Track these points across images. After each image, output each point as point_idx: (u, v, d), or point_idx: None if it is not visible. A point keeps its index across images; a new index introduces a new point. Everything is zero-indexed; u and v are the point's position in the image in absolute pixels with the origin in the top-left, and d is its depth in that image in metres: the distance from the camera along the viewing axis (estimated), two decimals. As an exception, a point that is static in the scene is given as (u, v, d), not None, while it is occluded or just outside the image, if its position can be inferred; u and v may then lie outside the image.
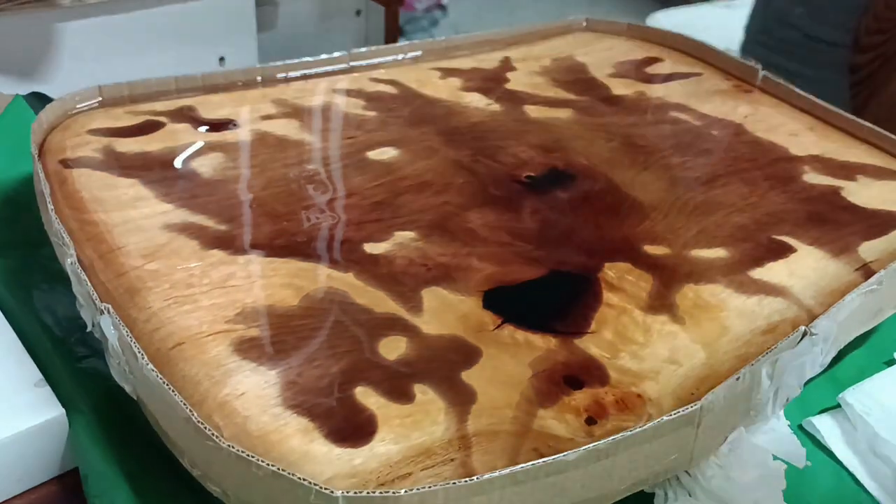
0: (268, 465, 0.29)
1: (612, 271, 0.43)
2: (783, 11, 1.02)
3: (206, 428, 0.30)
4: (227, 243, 0.43)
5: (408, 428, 0.34)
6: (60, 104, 0.53)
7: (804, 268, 0.45)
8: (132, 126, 0.53)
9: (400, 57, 0.65)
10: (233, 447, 0.30)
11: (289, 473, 0.29)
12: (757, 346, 0.39)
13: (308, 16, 0.93)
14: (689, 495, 0.37)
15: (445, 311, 0.40)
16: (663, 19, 1.23)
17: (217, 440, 0.30)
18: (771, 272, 0.44)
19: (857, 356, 0.46)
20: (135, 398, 0.36)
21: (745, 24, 1.12)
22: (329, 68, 0.62)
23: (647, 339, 0.39)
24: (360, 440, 0.33)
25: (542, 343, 0.39)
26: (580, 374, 0.37)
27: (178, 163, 0.50)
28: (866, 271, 0.44)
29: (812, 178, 0.53)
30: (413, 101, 0.59)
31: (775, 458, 0.39)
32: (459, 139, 0.55)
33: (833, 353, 0.41)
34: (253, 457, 0.29)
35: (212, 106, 0.56)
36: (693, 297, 0.42)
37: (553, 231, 0.47)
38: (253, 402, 0.34)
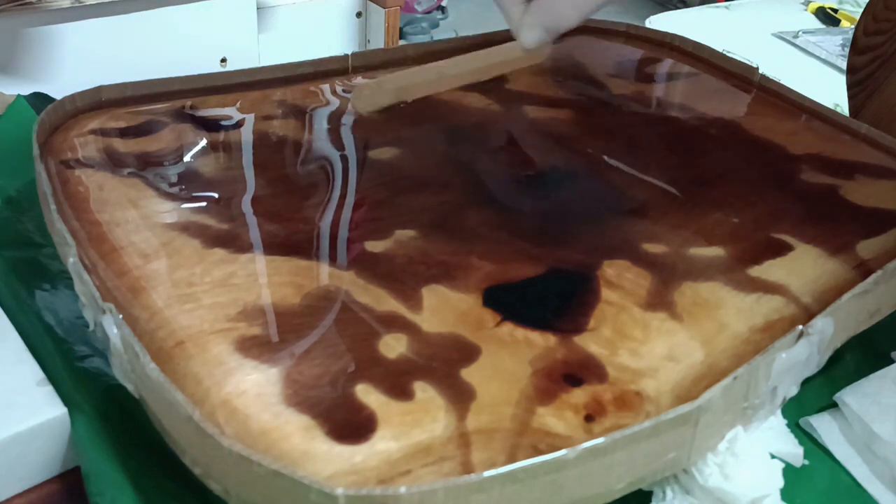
0: (268, 463, 0.29)
1: (610, 269, 0.44)
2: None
3: (207, 426, 0.31)
4: (228, 242, 0.43)
5: (408, 425, 0.34)
6: (62, 104, 0.53)
7: (802, 266, 0.45)
8: (134, 126, 0.53)
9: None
10: (234, 446, 0.30)
11: (289, 472, 0.29)
12: (755, 343, 0.40)
13: (309, 17, 0.93)
14: (687, 493, 0.37)
15: (445, 309, 0.40)
16: (662, 22, 1.23)
17: (218, 438, 0.30)
18: (769, 270, 0.44)
19: (855, 355, 0.46)
20: (137, 397, 0.36)
21: None
22: (330, 69, 0.62)
23: (645, 337, 0.39)
24: (361, 438, 0.33)
25: (542, 341, 0.39)
26: (579, 372, 0.37)
27: (179, 163, 0.50)
28: (864, 270, 0.44)
29: (810, 176, 0.53)
30: (413, 101, 0.59)
31: (773, 456, 0.39)
32: (459, 139, 0.55)
33: (830, 352, 0.41)
34: (254, 455, 0.30)
35: (213, 106, 0.56)
36: (691, 294, 0.42)
37: (552, 229, 0.47)
38: (254, 401, 0.34)
